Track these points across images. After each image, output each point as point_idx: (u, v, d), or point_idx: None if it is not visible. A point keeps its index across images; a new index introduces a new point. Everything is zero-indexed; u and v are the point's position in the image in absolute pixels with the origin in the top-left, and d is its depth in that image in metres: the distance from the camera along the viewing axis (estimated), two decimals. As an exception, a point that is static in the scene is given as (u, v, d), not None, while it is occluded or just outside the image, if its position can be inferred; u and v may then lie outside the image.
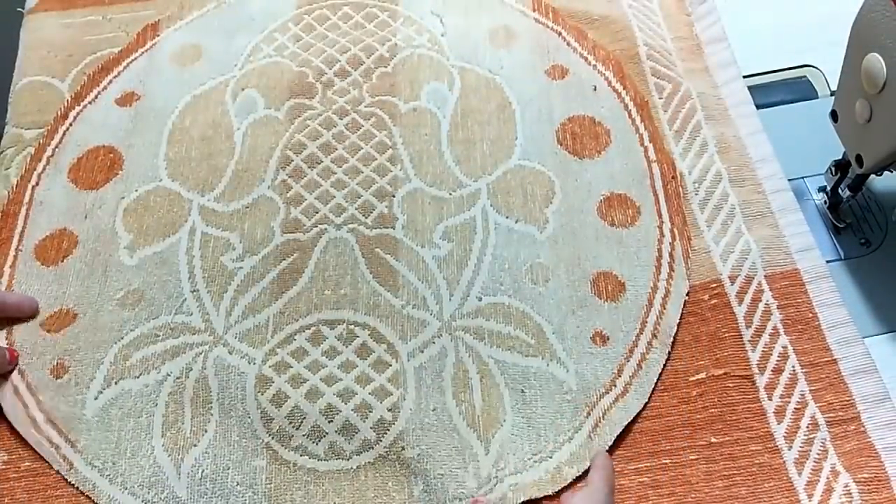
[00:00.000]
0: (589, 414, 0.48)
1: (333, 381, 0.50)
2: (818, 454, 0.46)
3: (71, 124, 0.63)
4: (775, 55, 0.65)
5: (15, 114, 0.64)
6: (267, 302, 0.53)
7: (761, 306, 0.52)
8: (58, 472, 0.48)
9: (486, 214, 0.56)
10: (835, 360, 0.50)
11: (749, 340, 0.51)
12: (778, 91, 0.64)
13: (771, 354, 0.50)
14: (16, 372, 0.51)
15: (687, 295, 0.53)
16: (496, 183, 0.58)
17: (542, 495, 0.46)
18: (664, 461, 0.47)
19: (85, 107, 0.64)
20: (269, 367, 0.50)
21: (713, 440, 0.47)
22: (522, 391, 0.49)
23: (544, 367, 0.50)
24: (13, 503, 0.47)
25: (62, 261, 0.56)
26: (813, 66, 0.64)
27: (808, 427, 0.47)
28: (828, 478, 0.46)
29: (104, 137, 0.62)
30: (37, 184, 0.60)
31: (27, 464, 0.48)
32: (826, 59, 0.64)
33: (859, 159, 0.51)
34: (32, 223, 0.58)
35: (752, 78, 0.65)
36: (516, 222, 0.56)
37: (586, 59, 0.64)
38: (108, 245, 0.56)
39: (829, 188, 0.57)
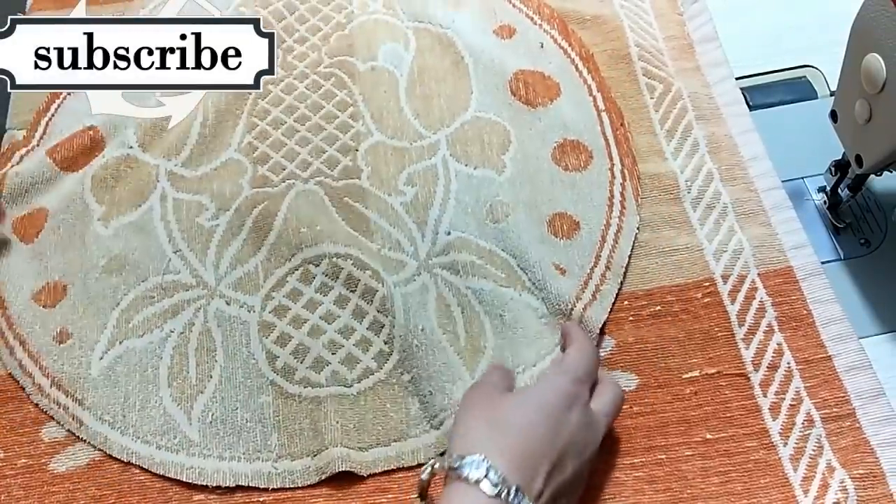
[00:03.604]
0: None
1: (333, 318, 0.52)
2: (814, 450, 0.47)
3: (53, 115, 0.63)
4: (775, 55, 0.65)
5: (12, 115, 0.64)
6: (251, 252, 0.54)
7: (755, 304, 0.52)
8: (69, 430, 0.49)
9: (446, 163, 0.58)
10: (829, 356, 0.50)
11: (742, 338, 0.51)
12: (777, 91, 0.64)
13: (766, 351, 0.50)
14: (17, 343, 0.52)
15: (680, 292, 0.53)
16: (454, 134, 0.59)
17: None
18: (659, 456, 0.47)
19: (65, 98, 0.64)
20: (269, 312, 0.52)
21: (708, 436, 0.48)
22: (501, 315, 0.51)
23: (518, 297, 0.52)
24: (10, 500, 0.47)
25: (37, 237, 0.56)
26: (813, 66, 0.64)
27: (803, 423, 0.47)
28: (823, 474, 0.46)
29: (88, 122, 0.62)
30: (18, 162, 0.60)
31: (23, 461, 0.48)
32: (826, 59, 0.63)
33: (859, 159, 0.51)
34: (13, 203, 0.58)
35: (751, 78, 0.64)
36: (475, 169, 0.58)
37: (532, 18, 0.66)
38: (81, 217, 0.57)
39: (828, 188, 0.57)
